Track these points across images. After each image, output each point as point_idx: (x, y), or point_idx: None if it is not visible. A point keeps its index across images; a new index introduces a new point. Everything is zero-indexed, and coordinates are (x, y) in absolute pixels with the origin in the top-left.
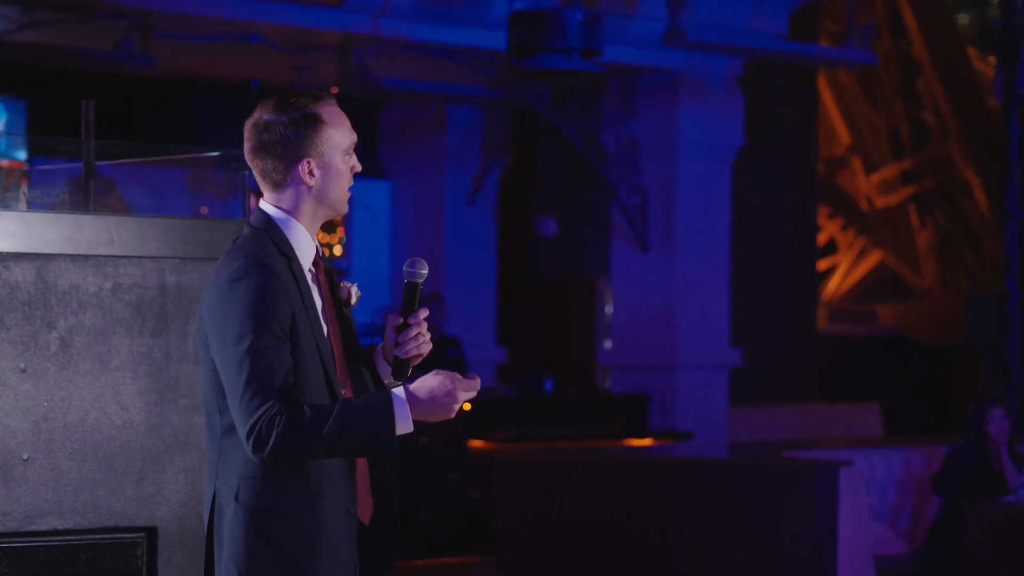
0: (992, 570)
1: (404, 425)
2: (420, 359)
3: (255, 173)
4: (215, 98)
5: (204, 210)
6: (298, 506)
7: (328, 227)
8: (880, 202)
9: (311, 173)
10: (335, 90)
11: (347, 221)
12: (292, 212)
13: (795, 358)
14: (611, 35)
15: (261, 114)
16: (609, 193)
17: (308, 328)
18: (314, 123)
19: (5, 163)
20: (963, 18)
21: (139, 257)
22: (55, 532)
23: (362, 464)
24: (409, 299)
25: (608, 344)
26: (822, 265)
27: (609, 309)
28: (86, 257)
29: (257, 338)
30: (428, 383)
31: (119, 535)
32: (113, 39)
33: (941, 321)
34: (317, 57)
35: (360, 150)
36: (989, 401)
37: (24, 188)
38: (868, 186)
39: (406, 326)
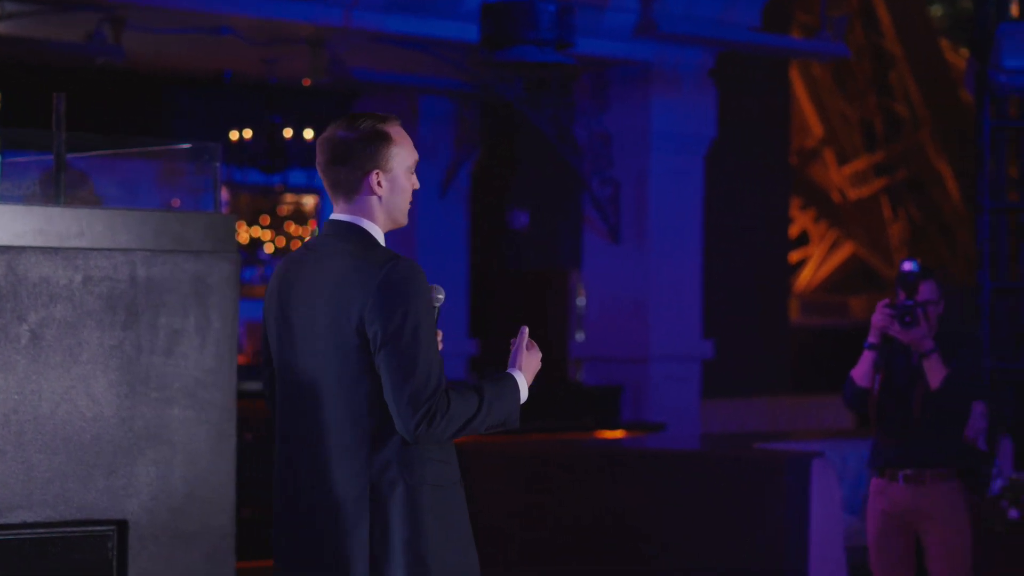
0: None
1: (523, 396)
2: None
3: (327, 184)
4: (186, 90)
5: (176, 202)
6: (449, 479)
7: (301, 218)
8: (852, 194)
9: (380, 184)
10: (307, 82)
11: (319, 211)
12: (367, 218)
13: (767, 350)
14: (583, 27)
15: (334, 131)
16: (581, 185)
17: None
18: (383, 139)
19: None
20: (936, 10)
21: (110, 249)
22: (25, 525)
23: None
24: None
25: (580, 336)
26: (794, 257)
27: (581, 301)
28: (56, 250)
29: (431, 332)
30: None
31: (90, 528)
32: (85, 31)
33: None
34: (289, 49)
35: None
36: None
37: None
38: (840, 178)
39: None
